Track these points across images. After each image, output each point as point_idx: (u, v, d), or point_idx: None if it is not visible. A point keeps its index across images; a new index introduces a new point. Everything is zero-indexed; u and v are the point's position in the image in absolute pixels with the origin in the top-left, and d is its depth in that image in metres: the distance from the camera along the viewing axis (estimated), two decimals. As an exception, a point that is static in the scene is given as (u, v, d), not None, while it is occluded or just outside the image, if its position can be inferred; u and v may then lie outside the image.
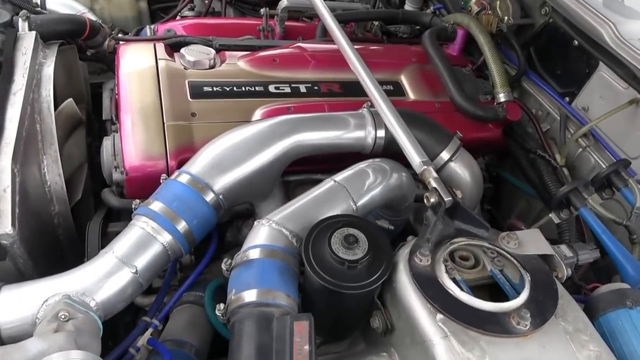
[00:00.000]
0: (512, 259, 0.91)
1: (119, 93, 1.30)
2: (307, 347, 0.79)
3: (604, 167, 1.37)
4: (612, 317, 0.88)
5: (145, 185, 1.19)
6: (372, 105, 1.31)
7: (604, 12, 1.38)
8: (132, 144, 1.20)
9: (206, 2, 2.07)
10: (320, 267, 0.87)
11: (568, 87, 1.51)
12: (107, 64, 1.71)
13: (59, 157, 1.28)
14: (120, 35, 1.66)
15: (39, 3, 1.71)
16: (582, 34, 1.43)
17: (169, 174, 1.16)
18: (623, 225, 1.17)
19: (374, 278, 0.87)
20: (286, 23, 1.81)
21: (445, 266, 0.88)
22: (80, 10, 1.78)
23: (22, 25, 1.41)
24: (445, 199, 0.95)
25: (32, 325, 0.88)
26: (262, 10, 1.77)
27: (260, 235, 0.99)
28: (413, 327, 0.83)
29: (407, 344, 0.86)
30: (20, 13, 1.43)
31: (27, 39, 1.38)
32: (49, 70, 1.37)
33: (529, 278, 0.87)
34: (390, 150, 1.27)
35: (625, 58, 1.29)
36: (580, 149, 1.44)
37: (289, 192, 1.34)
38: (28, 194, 1.15)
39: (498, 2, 1.65)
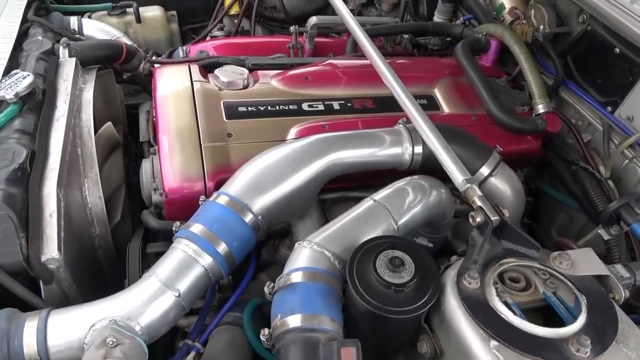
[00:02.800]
0: (565, 280, 0.88)
1: (156, 116, 1.31)
2: (356, 372, 0.78)
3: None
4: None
5: (184, 206, 1.20)
6: (407, 121, 1.29)
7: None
8: (171, 166, 1.21)
9: (235, 21, 2.09)
10: (366, 291, 0.85)
11: (610, 96, 1.46)
12: (143, 86, 1.74)
13: (99, 180, 1.30)
14: (154, 57, 1.69)
15: (76, 29, 1.76)
16: (624, 41, 1.39)
17: (207, 196, 1.16)
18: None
19: (421, 302, 0.85)
20: (315, 39, 1.81)
21: (496, 289, 0.85)
22: (116, 34, 1.82)
23: (63, 52, 1.45)
24: (492, 219, 0.92)
25: (79, 350, 0.89)
26: (292, 28, 1.78)
27: (302, 258, 0.97)
28: (465, 355, 0.80)
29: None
30: (61, 41, 1.47)
31: (68, 66, 1.41)
32: (88, 95, 1.40)
33: (585, 301, 0.84)
34: (427, 167, 1.25)
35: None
36: (627, 161, 1.39)
37: (325, 211, 1.33)
38: (71, 217, 1.16)
39: (533, 11, 1.61)
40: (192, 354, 1.02)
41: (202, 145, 1.25)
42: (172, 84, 1.38)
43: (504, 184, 1.27)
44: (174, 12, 2.07)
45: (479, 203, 0.96)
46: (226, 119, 1.32)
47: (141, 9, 1.95)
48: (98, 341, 0.84)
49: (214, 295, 1.19)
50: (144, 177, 1.29)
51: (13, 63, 1.40)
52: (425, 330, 0.89)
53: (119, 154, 1.54)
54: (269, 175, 1.12)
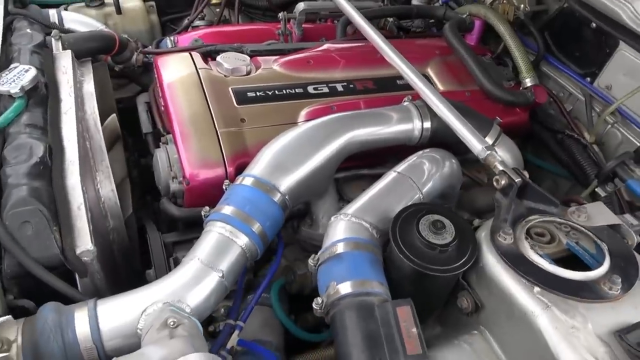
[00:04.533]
0: (585, 231, 0.96)
1: (166, 104, 1.31)
2: (414, 329, 0.83)
3: (634, 141, 1.44)
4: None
5: (205, 193, 1.21)
6: (412, 98, 1.36)
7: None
8: (190, 153, 1.22)
9: (217, 10, 2.08)
10: (412, 253, 0.91)
11: (588, 67, 1.58)
12: (133, 78, 1.71)
13: (110, 173, 1.29)
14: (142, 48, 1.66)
15: (57, 22, 1.70)
16: (600, 15, 1.50)
17: (229, 180, 1.18)
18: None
19: (464, 260, 0.91)
20: (303, 25, 1.84)
21: (529, 242, 0.92)
22: (97, 26, 1.77)
23: (56, 44, 1.41)
24: (516, 180, 1.00)
25: (133, 336, 0.89)
26: (280, 15, 1.80)
27: (341, 230, 1.02)
28: (509, 303, 0.87)
29: (501, 321, 0.90)
30: (53, 33, 1.43)
31: (64, 58, 1.37)
32: (89, 87, 1.37)
33: (606, 247, 0.93)
34: (435, 141, 1.31)
35: (644, 34, 1.37)
36: (609, 126, 1.51)
37: (339, 189, 1.38)
38: (91, 210, 1.15)
39: (512, -8, 1.71)
40: (237, 331, 1.04)
41: (219, 131, 1.26)
42: (178, 72, 1.37)
43: (506, 154, 1.36)
44: (153, 3, 2.04)
45: (500, 167, 1.03)
46: (237, 104, 1.33)
47: (120, 0, 1.91)
48: (158, 323, 0.85)
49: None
50: (160, 166, 1.28)
51: (3, 57, 1.35)
52: (465, 287, 0.96)
53: (120, 148, 1.51)
54: (291, 155, 1.15)
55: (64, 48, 1.42)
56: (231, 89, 1.36)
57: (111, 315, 0.90)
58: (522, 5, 1.67)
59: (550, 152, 1.62)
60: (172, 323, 0.85)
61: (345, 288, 0.90)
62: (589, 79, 1.58)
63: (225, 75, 1.41)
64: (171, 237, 1.30)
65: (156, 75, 1.40)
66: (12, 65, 1.24)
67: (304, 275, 1.29)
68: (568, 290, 0.84)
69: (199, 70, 1.38)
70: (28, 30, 1.45)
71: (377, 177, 1.21)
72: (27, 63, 1.29)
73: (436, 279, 0.91)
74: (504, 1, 1.71)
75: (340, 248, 0.97)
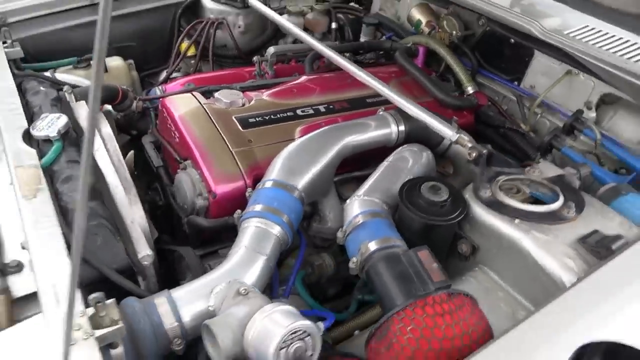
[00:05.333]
0: (541, 181, 1.26)
1: (182, 135, 1.51)
2: (435, 265, 1.07)
3: (558, 124, 1.81)
4: (615, 204, 1.25)
5: (230, 203, 1.41)
6: (385, 109, 1.65)
7: (528, 15, 1.86)
8: (213, 170, 1.42)
9: (192, 62, 2.33)
10: (420, 210, 1.16)
11: (514, 74, 1.97)
12: (132, 124, 1.89)
13: (139, 200, 1.45)
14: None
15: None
16: (516, 32, 1.90)
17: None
18: (594, 154, 1.58)
19: (459, 211, 1.18)
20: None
21: (506, 192, 1.21)
22: (87, 83, 1.96)
23: (70, 97, 1.58)
24: (483, 151, 1.29)
25: (208, 314, 1.05)
26: (255, 58, 2.07)
27: (357, 207, 1.26)
28: (499, 237, 1.14)
29: (494, 254, 1.17)
30: (65, 88, 1.60)
31: (81, 108, 1.55)
32: (107, 130, 1.54)
33: (559, 189, 1.23)
34: (408, 141, 1.60)
35: (553, 44, 1.76)
36: (538, 116, 1.88)
37: (337, 189, 1.62)
38: (134, 228, 1.31)
39: (445, 22, 2.10)
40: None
41: (233, 151, 1.47)
42: (186, 108, 1.59)
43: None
44: (131, 61, 2.24)
45: (470, 144, 1.33)
46: (242, 129, 1.56)
47: (105, 60, 2.10)
48: (231, 293, 1.03)
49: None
50: (185, 187, 1.46)
51: (28, 112, 1.51)
52: (462, 235, 1.22)
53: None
54: (300, 161, 1.39)
55: (77, 100, 1.59)
56: (234, 117, 1.59)
57: (185, 299, 1.06)
58: (454, 32, 2.06)
59: (495, 145, 1.95)
60: (243, 290, 1.03)
61: (373, 246, 1.13)
62: (516, 82, 1.96)
63: (226, 108, 1.64)
64: (190, 252, 1.46)
65: (166, 114, 1.60)
66: (42, 115, 1.41)
67: (320, 266, 1.49)
68: (540, 219, 1.12)
69: (204, 105, 1.61)
70: (42, 88, 1.62)
71: (365, 177, 1.47)
72: (51, 112, 1.47)
73: (440, 229, 1.16)
74: (439, 30, 2.09)
75: (360, 219, 1.20)
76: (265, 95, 1.75)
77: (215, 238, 1.51)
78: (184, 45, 2.28)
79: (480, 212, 1.18)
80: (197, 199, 1.44)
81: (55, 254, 1.03)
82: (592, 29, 1.78)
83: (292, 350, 0.89)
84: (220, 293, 1.06)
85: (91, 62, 2.05)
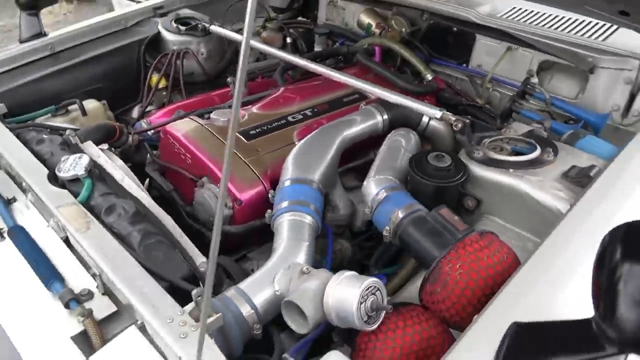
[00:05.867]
0: (518, 137, 1.51)
1: (194, 155, 1.63)
2: (456, 217, 1.27)
3: (508, 94, 2.10)
4: (578, 145, 1.52)
5: (253, 208, 1.55)
6: (365, 104, 1.86)
7: (463, 4, 2.15)
8: (233, 181, 1.55)
9: (164, 94, 2.42)
10: (430, 175, 1.37)
11: (462, 57, 2.25)
12: (131, 159, 1.95)
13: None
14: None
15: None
16: (457, 21, 2.18)
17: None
18: (546, 112, 1.87)
19: (462, 173, 1.40)
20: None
21: (492, 151, 1.44)
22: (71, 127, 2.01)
23: (74, 140, 1.66)
24: (467, 121, 1.52)
25: (276, 297, 1.19)
26: (229, 79, 2.21)
27: (374, 186, 1.44)
28: (498, 187, 1.37)
29: (497, 203, 1.39)
30: (67, 132, 1.67)
31: (90, 147, 1.63)
32: (122, 164, 1.63)
33: (534, 142, 1.48)
34: (392, 127, 1.81)
35: (492, 26, 2.06)
36: (490, 90, 2.16)
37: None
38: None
39: (393, 22, 2.35)
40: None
41: (246, 161, 1.61)
42: (190, 131, 1.71)
43: (439, 125, 1.90)
44: (104, 101, 2.30)
45: (453, 118, 1.56)
46: (246, 141, 1.70)
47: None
48: (296, 274, 1.17)
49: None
50: (210, 201, 1.58)
51: (40, 160, 1.56)
52: (466, 193, 1.43)
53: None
54: (309, 158, 1.56)
55: (82, 141, 1.67)
56: (236, 132, 1.73)
57: (253, 289, 1.19)
58: (403, 29, 2.31)
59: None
60: (306, 270, 1.18)
61: (401, 213, 1.32)
62: (465, 65, 2.24)
63: (224, 125, 1.77)
64: (226, 259, 1.58)
65: (172, 140, 1.71)
66: (63, 158, 1.48)
67: (340, 250, 1.65)
68: (527, 166, 1.36)
69: (205, 126, 1.73)
70: (44, 136, 1.67)
71: (361, 166, 1.67)
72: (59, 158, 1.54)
73: (449, 189, 1.37)
74: (390, 30, 2.34)
75: (382, 194, 1.39)
76: (254, 109, 1.90)
77: (239, 244, 1.63)
78: (154, 78, 2.37)
79: (479, 170, 1.40)
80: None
81: (132, 273, 1.13)
82: (520, 9, 2.10)
83: (368, 304, 1.05)
84: (282, 278, 1.20)
85: (69, 107, 2.11)
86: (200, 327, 0.83)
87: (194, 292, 1.00)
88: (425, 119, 1.82)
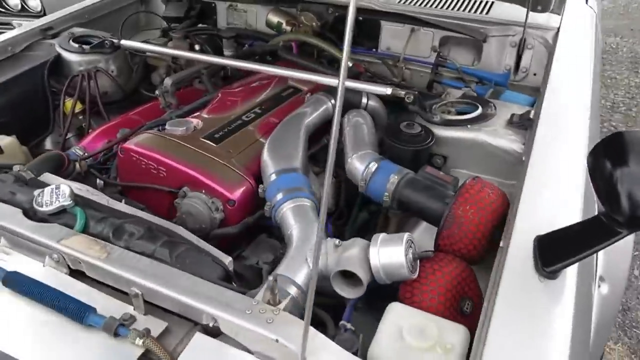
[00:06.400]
0: (458, 100, 1.78)
1: (170, 166, 1.60)
2: (441, 173, 1.48)
3: (418, 70, 2.38)
4: (502, 99, 1.84)
5: (244, 206, 1.58)
6: (308, 93, 1.99)
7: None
8: (220, 183, 1.57)
9: (81, 118, 2.25)
10: (407, 143, 1.56)
11: (371, 42, 2.49)
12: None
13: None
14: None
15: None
16: (361, 11, 2.41)
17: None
18: (459, 79, 2.17)
19: (431, 135, 1.61)
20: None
21: (443, 114, 1.68)
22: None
23: (28, 174, 1.51)
24: (416, 93, 1.74)
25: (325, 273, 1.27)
26: (157, 92, 2.16)
27: (360, 162, 1.58)
28: (461, 142, 1.61)
29: (461, 156, 1.63)
30: (16, 168, 1.51)
31: (53, 180, 1.51)
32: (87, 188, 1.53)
33: (473, 101, 1.75)
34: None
35: (393, 12, 2.32)
36: (403, 69, 2.43)
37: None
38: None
39: (302, 17, 2.49)
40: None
41: (224, 162, 1.63)
42: (156, 145, 1.66)
43: (374, 102, 2.10)
44: (14, 136, 2.08)
45: (403, 92, 1.76)
46: (215, 144, 1.71)
47: (-3, 142, 1.93)
48: (330, 249, 1.26)
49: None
50: (199, 208, 1.57)
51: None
52: (434, 153, 1.65)
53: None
54: (285, 149, 1.65)
55: (36, 175, 1.52)
56: (202, 138, 1.73)
57: (291, 271, 1.25)
58: (313, 24, 2.47)
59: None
60: (337, 242, 1.28)
61: (393, 179, 1.48)
62: (374, 49, 2.48)
63: (185, 134, 1.75)
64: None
65: (137, 157, 1.65)
66: (36, 192, 1.35)
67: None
68: (480, 120, 1.62)
69: (169, 137, 1.70)
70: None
71: (319, 150, 1.81)
72: (24, 195, 1.40)
73: (423, 152, 1.58)
74: (301, 25, 2.48)
75: (373, 166, 1.53)
76: (204, 115, 1.90)
77: (232, 244, 1.65)
78: (69, 104, 2.20)
79: (442, 131, 1.63)
80: (214, 213, 1.57)
81: (183, 283, 1.12)
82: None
83: (410, 256, 1.20)
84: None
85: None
86: (306, 307, 0.88)
87: (270, 278, 1.05)
88: (364, 99, 2.01)
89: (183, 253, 1.23)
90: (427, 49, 2.38)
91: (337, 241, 1.28)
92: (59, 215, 1.33)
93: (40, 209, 1.31)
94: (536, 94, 1.99)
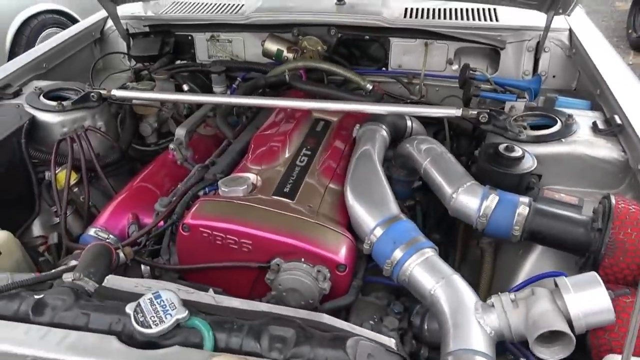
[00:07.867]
0: (530, 113, 1.69)
1: (258, 237, 1.34)
2: (562, 194, 1.37)
3: (436, 85, 2.29)
4: (558, 105, 1.79)
5: (353, 266, 1.36)
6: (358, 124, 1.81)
7: (371, 11, 2.25)
8: (323, 246, 1.34)
9: (75, 190, 1.85)
10: (510, 167, 1.44)
11: (380, 62, 2.35)
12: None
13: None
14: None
15: None
16: (367, 29, 2.27)
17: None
18: (492, 89, 2.09)
19: (532, 155, 1.49)
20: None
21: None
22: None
23: (88, 284, 1.16)
24: (487, 111, 1.62)
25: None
26: (171, 146, 1.85)
27: (471, 197, 1.41)
28: (558, 158, 1.53)
29: (555, 172, 1.54)
30: (67, 278, 1.16)
31: (125, 283, 1.17)
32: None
33: (546, 113, 1.68)
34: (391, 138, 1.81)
35: (404, 27, 2.21)
36: (421, 86, 2.31)
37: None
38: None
39: (305, 42, 2.29)
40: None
41: (312, 220, 1.39)
42: (230, 216, 1.39)
43: (417, 125, 1.95)
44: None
45: (475, 112, 1.64)
46: (291, 200, 1.47)
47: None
48: (509, 307, 1.09)
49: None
50: (305, 281, 1.30)
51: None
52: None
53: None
54: (372, 194, 1.47)
55: (98, 282, 1.18)
56: (273, 196, 1.48)
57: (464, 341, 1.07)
58: (318, 47, 2.28)
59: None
60: (512, 297, 1.11)
61: (524, 209, 1.35)
62: (384, 68, 2.35)
63: (247, 194, 1.48)
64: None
65: (209, 232, 1.35)
66: (127, 309, 1.02)
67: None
68: (565, 133, 1.55)
69: (238, 201, 1.42)
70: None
71: None
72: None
73: (527, 175, 1.46)
74: (305, 52, 2.27)
75: (492, 201, 1.35)
76: (251, 165, 1.65)
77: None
78: (62, 175, 1.79)
79: (536, 149, 1.52)
80: (322, 284, 1.32)
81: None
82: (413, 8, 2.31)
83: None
84: (491, 318, 1.11)
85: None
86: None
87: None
88: (409, 122, 1.87)
89: (364, 349, 0.98)
90: (442, 63, 2.29)
91: (512, 295, 1.11)
92: (172, 333, 1.01)
93: (147, 331, 0.99)
94: (572, 95, 1.99)
